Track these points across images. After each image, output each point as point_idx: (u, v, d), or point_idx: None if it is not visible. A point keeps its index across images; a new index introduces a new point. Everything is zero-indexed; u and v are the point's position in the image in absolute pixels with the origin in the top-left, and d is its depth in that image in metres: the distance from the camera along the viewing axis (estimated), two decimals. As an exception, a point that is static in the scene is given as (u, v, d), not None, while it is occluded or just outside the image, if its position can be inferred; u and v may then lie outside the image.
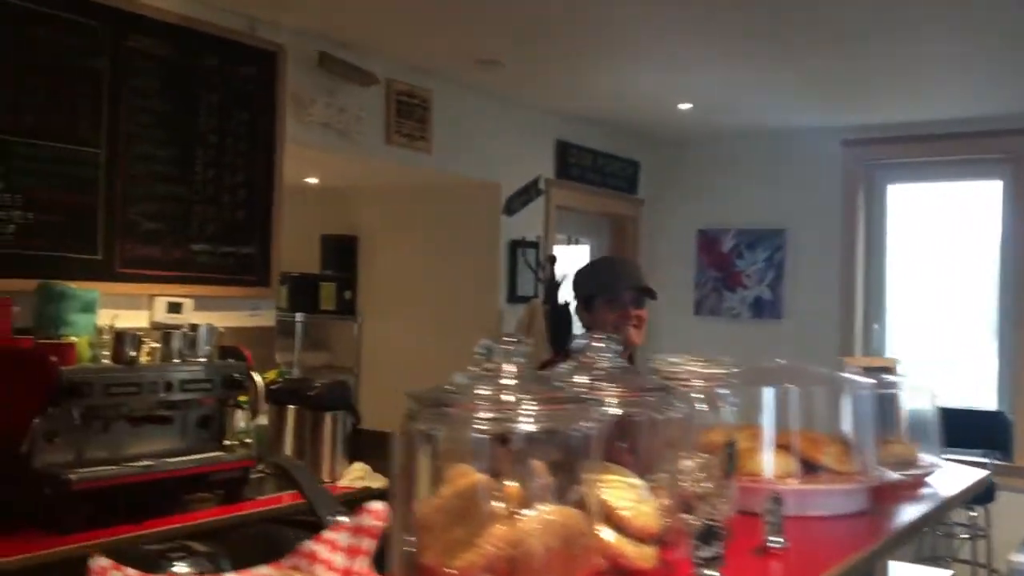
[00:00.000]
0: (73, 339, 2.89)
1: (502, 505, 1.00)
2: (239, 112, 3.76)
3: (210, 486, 2.99)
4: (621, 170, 6.14)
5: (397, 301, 5.52)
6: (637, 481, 1.24)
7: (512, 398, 1.05)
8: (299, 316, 5.31)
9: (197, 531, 2.39)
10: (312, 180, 5.32)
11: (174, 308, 3.52)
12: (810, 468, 1.68)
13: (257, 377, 3.36)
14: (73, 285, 3.01)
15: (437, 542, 1.00)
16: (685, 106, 5.23)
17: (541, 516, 1.01)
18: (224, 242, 3.73)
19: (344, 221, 5.73)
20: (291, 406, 3.59)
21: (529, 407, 1.04)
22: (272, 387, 3.55)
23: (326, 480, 3.44)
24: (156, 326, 3.35)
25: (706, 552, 1.19)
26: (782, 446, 1.64)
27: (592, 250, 6.39)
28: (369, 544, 1.00)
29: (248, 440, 3.31)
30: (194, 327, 3.14)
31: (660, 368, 1.51)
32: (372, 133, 4.36)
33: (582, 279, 3.06)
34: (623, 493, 1.20)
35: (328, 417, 3.55)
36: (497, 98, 5.08)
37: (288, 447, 3.56)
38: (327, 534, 1.00)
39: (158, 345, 3.02)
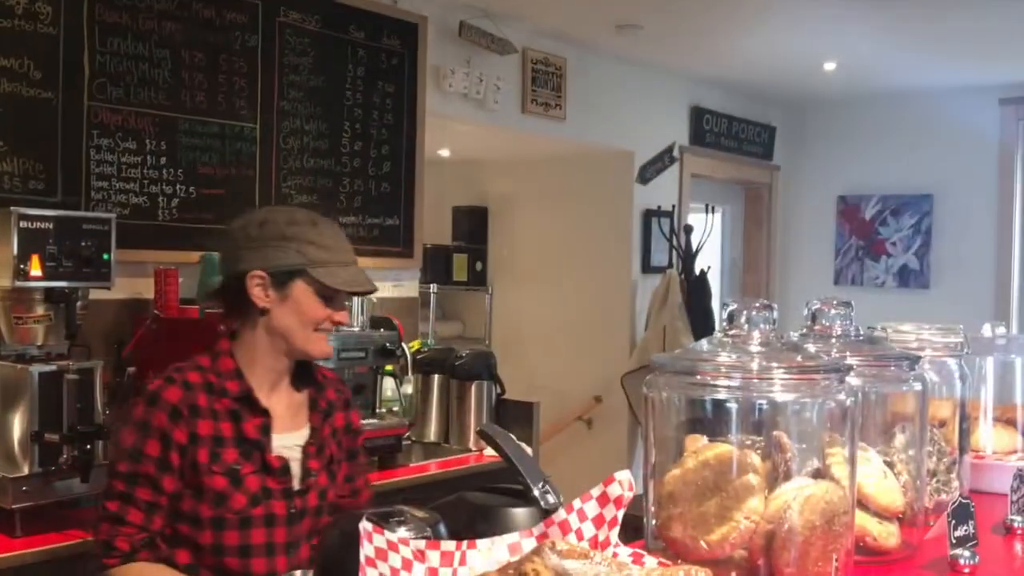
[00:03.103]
0: (237, 309, 2.98)
1: (756, 478, 0.96)
2: (383, 84, 3.78)
3: (367, 452, 3.04)
4: (757, 135, 5.94)
5: (529, 272, 5.51)
6: (873, 455, 1.17)
7: (757, 365, 1.00)
8: (433, 287, 5.36)
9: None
10: (444, 152, 5.33)
11: (325, 279, 3.58)
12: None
13: (406, 347, 3.40)
14: (233, 257, 3.10)
15: (686, 514, 0.96)
16: (830, 66, 5.00)
17: (801, 491, 0.95)
18: (370, 214, 3.77)
19: (475, 192, 5.73)
20: (436, 375, 3.64)
21: (778, 375, 0.98)
22: (418, 356, 3.60)
23: (472, 449, 3.47)
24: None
25: (960, 531, 1.11)
26: (1004, 420, 1.53)
27: (726, 218, 6.23)
28: (616, 514, 0.96)
29: (396, 408, 3.36)
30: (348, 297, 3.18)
31: (889, 337, 1.43)
32: (508, 102, 4.33)
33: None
34: (862, 468, 1.14)
35: (473, 386, 3.57)
36: (632, 64, 4.97)
37: (433, 416, 3.61)
38: (576, 504, 0.97)
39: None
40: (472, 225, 5.67)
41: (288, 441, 1.77)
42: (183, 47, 3.12)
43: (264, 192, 3.38)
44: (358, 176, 3.72)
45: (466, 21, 4.01)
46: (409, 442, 3.32)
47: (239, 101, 3.30)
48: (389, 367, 3.32)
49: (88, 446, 2.23)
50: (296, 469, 1.75)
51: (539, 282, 5.45)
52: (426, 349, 3.76)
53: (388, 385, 3.39)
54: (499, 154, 5.48)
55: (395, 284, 3.93)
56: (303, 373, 1.82)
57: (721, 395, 1.00)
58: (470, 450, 3.45)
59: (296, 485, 1.74)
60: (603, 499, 0.97)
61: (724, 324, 1.05)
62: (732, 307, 1.05)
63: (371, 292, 1.80)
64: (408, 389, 3.47)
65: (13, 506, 2.21)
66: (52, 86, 2.80)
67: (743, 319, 1.04)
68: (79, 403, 2.28)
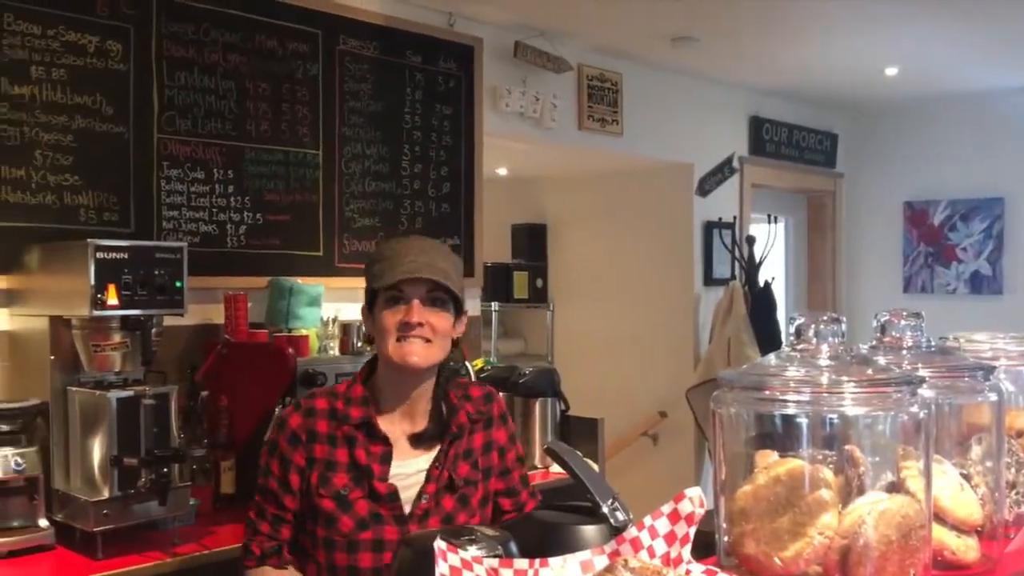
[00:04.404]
0: (303, 331, 3.04)
1: (829, 493, 0.95)
2: (441, 107, 3.83)
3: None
4: (818, 143, 5.86)
5: (589, 288, 5.50)
6: (949, 468, 1.15)
7: (827, 379, 0.99)
8: (494, 305, 5.38)
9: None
10: (502, 171, 5.37)
11: (389, 300, 3.63)
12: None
13: (469, 366, 3.42)
14: (299, 280, 3.16)
15: (758, 530, 0.95)
16: (891, 70, 4.92)
17: (876, 505, 0.94)
18: (431, 234, 3.81)
19: (534, 209, 5.75)
20: (500, 393, 3.65)
21: (849, 389, 0.97)
22: (481, 375, 3.62)
23: (537, 466, 3.47)
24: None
25: (1045, 546, 1.08)
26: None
27: (790, 228, 6.15)
28: (688, 531, 0.96)
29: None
30: (412, 318, 3.21)
31: (962, 347, 1.40)
32: (565, 119, 4.35)
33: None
34: (938, 481, 1.11)
35: (537, 403, 3.58)
36: (689, 76, 4.95)
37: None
38: (647, 521, 0.97)
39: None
40: (531, 242, 5.70)
41: (411, 467, 1.77)
42: (247, 78, 3.21)
43: (327, 217, 3.45)
44: (418, 197, 3.77)
45: (521, 41, 4.05)
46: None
47: (302, 129, 3.37)
48: (453, 386, 3.35)
49: (165, 469, 2.30)
50: (408, 496, 1.75)
51: (600, 297, 5.44)
52: (489, 367, 3.79)
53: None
54: (557, 171, 5.50)
55: (458, 303, 3.96)
56: (440, 397, 1.82)
57: (791, 410, 0.99)
58: (535, 467, 3.46)
59: (407, 510, 1.75)
60: (674, 516, 0.97)
61: (792, 338, 1.05)
62: (800, 321, 1.04)
63: (430, 277, 1.72)
64: (473, 408, 3.49)
65: (94, 529, 2.28)
66: (123, 121, 2.90)
67: (811, 333, 1.03)
68: (155, 427, 2.35)
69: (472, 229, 3.97)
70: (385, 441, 1.75)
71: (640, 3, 3.82)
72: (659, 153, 4.91)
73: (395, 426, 1.78)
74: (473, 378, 3.39)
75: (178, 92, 3.03)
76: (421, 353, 1.71)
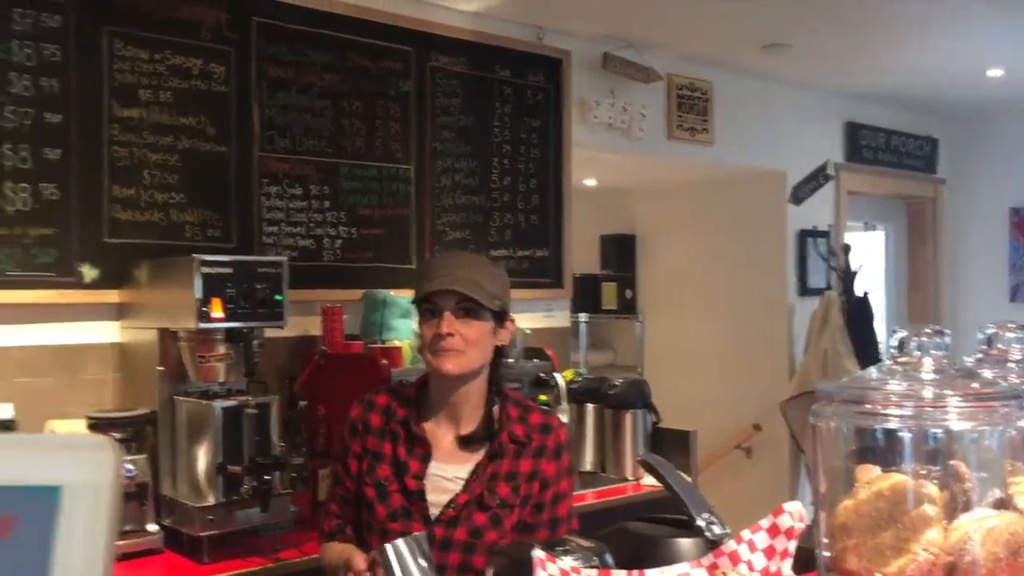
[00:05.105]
0: (397, 343, 3.10)
1: (934, 509, 0.92)
2: (529, 120, 3.86)
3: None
4: (917, 149, 5.69)
5: (679, 298, 5.45)
6: (1062, 485, 1.10)
7: (931, 394, 0.96)
8: (583, 316, 5.38)
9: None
10: (590, 182, 5.37)
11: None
12: None
13: (559, 377, 3.43)
14: (392, 293, 3.23)
15: (860, 546, 0.93)
16: (994, 72, 4.74)
17: (983, 522, 0.91)
18: (520, 246, 3.84)
19: (622, 220, 5.73)
20: (590, 404, 3.65)
21: (953, 404, 0.95)
22: (572, 386, 3.62)
23: (629, 478, 3.45)
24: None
25: None
26: None
27: (889, 236, 5.97)
28: (787, 545, 0.95)
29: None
30: (502, 329, 3.24)
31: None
32: (654, 129, 4.33)
33: None
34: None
35: (628, 415, 3.56)
36: (781, 83, 4.87)
37: (589, 445, 3.61)
38: (745, 534, 0.97)
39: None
40: (620, 253, 5.67)
41: (450, 472, 1.83)
42: (343, 97, 3.30)
43: (419, 230, 3.51)
44: (508, 210, 3.80)
45: (609, 52, 4.05)
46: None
47: (395, 144, 3.45)
48: (543, 397, 3.36)
49: (267, 477, 2.37)
50: (440, 499, 1.81)
51: (691, 308, 5.38)
52: (579, 379, 3.78)
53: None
54: (646, 181, 5.47)
55: (546, 315, 3.98)
56: (491, 403, 1.88)
57: (893, 424, 0.97)
58: (627, 480, 3.44)
59: (434, 513, 1.80)
60: (773, 530, 0.96)
61: (894, 351, 1.02)
62: (902, 334, 1.02)
63: (456, 289, 1.76)
64: (564, 418, 3.49)
65: (200, 534, 2.36)
66: (225, 140, 3.02)
67: (914, 346, 1.01)
68: (257, 436, 2.43)
69: (560, 240, 3.98)
70: (423, 442, 1.84)
71: (730, 11, 3.78)
72: (751, 161, 4.84)
73: (441, 428, 1.87)
74: (563, 390, 3.40)
75: (277, 111, 3.14)
76: (454, 361, 1.78)
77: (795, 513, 0.96)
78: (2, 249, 2.57)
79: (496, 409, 1.87)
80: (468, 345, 1.78)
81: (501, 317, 1.85)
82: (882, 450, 0.99)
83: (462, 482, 1.82)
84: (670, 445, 3.53)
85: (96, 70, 2.75)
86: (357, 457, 1.87)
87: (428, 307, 1.81)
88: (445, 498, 1.80)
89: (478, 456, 1.84)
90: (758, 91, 4.80)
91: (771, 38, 4.14)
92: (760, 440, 5.08)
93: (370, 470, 1.84)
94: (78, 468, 0.56)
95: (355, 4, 3.31)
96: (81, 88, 2.72)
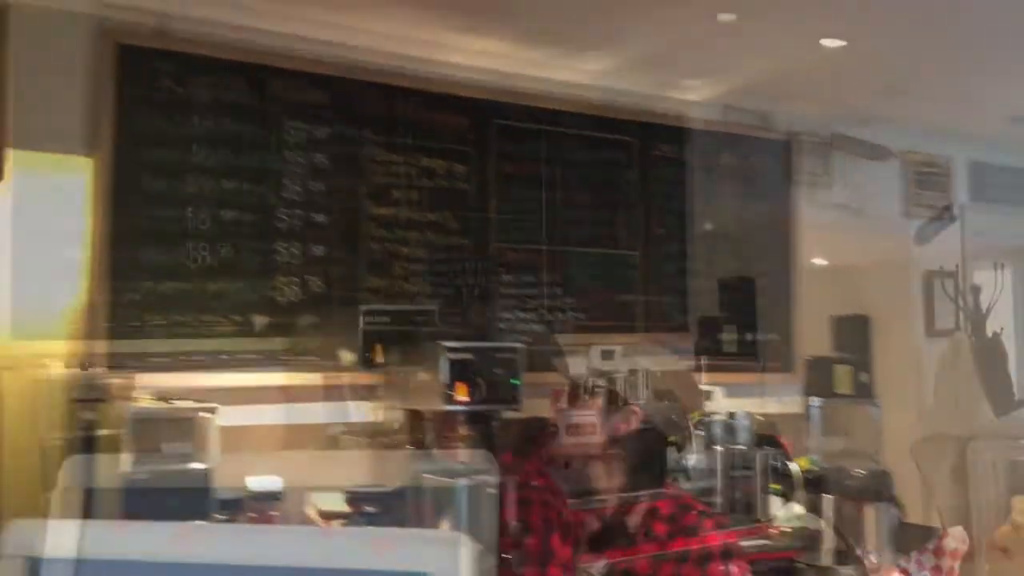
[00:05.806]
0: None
1: None
2: (755, 202, 3.85)
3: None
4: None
5: (916, 382, 5.12)
6: None
7: None
8: (814, 401, 5.17)
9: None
10: (820, 261, 5.21)
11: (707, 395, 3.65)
12: None
13: (794, 465, 3.32)
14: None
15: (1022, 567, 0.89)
16: None
17: None
18: (749, 329, 3.80)
19: (853, 300, 5.49)
20: (827, 495, 3.48)
21: None
22: (807, 475, 3.48)
23: (871, 576, 3.25)
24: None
25: None
26: None
27: (1020, 274, 5.42)
28: (952, 565, 0.92)
29: (787, 529, 3.27)
30: (731, 414, 3.22)
31: None
32: (888, 207, 4.18)
33: None
34: None
35: (869, 509, 3.37)
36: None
37: (826, 538, 3.44)
38: (914, 554, 0.94)
39: (701, 433, 3.14)
40: (853, 334, 5.42)
41: None
42: (570, 189, 3.45)
43: (644, 311, 3.57)
44: (736, 292, 3.78)
45: (838, 132, 3.99)
46: (803, 566, 3.20)
47: (620, 231, 3.54)
48: (775, 486, 3.26)
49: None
50: None
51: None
52: (815, 467, 3.64)
53: (775, 504, 3.32)
54: (880, 259, 5.24)
55: (777, 399, 3.89)
56: None
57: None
58: (868, 577, 3.24)
59: None
60: (939, 551, 0.93)
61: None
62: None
63: None
64: (798, 509, 3.36)
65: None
66: (465, 233, 3.24)
67: None
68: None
69: (790, 323, 3.90)
70: None
71: (972, 85, 3.63)
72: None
73: None
74: (799, 479, 3.28)
75: (511, 205, 3.33)
76: None
77: (958, 536, 0.93)
78: (275, 336, 2.88)
79: None
80: None
81: None
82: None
83: None
84: (917, 542, 3.31)
85: (354, 172, 3.05)
86: None
87: None
88: None
89: None
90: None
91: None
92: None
93: None
94: (439, 558, 0.66)
95: (589, 102, 3.47)
96: (342, 190, 3.02)
